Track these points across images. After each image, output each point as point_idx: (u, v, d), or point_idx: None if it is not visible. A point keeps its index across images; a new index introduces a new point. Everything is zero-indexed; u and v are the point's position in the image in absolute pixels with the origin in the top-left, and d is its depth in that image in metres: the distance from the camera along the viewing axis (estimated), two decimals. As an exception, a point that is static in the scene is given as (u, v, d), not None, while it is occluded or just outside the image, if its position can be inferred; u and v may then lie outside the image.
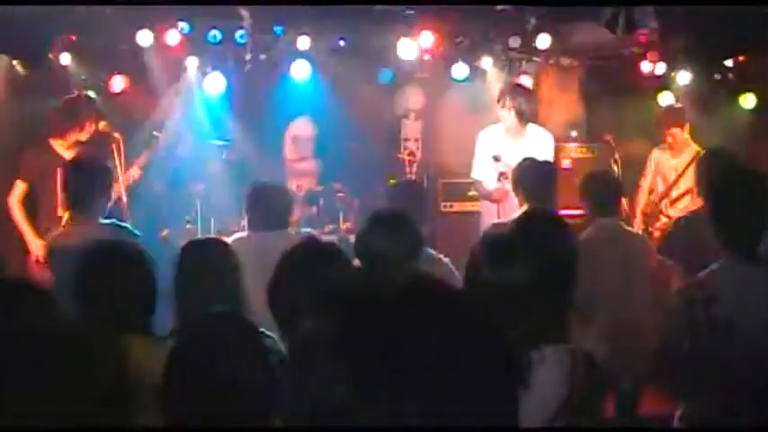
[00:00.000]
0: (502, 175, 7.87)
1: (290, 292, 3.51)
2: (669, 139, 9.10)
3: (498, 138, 8.43)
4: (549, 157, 8.18)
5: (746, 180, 4.27)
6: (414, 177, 9.77)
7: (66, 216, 6.53)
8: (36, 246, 7.90)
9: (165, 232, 8.95)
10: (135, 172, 8.52)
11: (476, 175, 8.60)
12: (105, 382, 3.07)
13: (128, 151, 8.36)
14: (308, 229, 7.35)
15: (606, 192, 6.73)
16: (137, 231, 6.37)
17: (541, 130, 8.65)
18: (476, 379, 1.87)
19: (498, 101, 8.39)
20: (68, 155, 8.07)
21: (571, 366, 3.36)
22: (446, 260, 5.82)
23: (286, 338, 3.58)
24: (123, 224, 6.32)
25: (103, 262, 4.17)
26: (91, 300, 4.03)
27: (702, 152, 7.27)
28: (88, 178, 6.28)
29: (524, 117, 8.31)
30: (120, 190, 7.99)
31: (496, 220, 7.33)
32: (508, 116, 8.28)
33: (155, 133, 8.93)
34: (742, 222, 4.06)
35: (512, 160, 7.72)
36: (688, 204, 8.20)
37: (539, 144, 8.36)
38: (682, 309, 3.90)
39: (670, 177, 9.00)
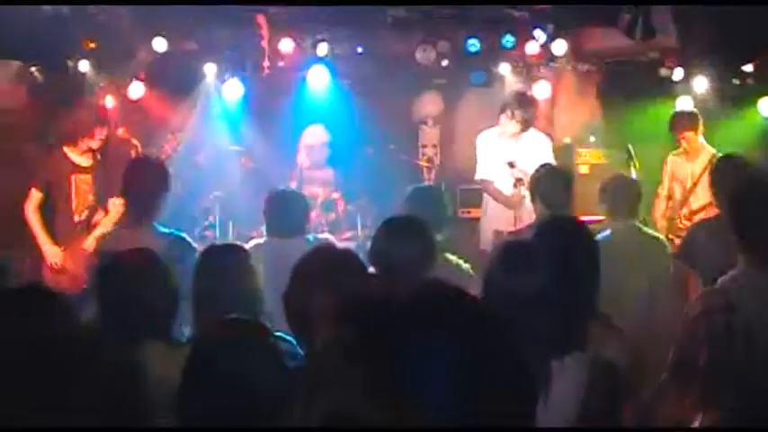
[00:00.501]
0: (519, 181, 7.88)
1: (305, 299, 3.51)
2: (684, 144, 9.06)
3: (496, 140, 8.51)
4: (549, 159, 8.21)
5: (764, 187, 4.26)
6: (432, 183, 9.78)
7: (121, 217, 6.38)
8: (51, 252, 7.94)
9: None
10: None
11: (480, 175, 8.63)
12: (116, 386, 3.09)
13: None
14: (326, 235, 7.35)
15: (625, 195, 6.71)
16: (194, 244, 6.24)
17: (539, 133, 8.71)
18: (492, 386, 1.87)
19: (503, 110, 8.40)
20: (82, 162, 8.10)
21: (591, 375, 3.35)
22: (466, 266, 5.80)
23: (302, 344, 3.59)
24: (183, 235, 6.17)
25: (123, 268, 4.18)
26: (110, 306, 4.05)
27: (717, 159, 7.23)
28: (152, 180, 6.07)
29: (526, 126, 8.38)
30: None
31: (511, 228, 7.30)
32: (509, 124, 8.33)
33: (170, 136, 8.93)
34: (760, 229, 4.05)
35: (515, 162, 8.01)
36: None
37: (538, 145, 8.46)
38: (700, 317, 3.88)
39: (687, 183, 8.97)
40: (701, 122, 9.07)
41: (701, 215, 8.49)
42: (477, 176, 8.66)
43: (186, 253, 5.69)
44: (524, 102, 8.50)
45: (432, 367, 1.82)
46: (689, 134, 9.00)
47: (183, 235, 6.11)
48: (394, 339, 1.84)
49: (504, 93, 9.89)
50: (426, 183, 9.87)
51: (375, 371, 1.84)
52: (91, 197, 8.04)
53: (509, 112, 8.33)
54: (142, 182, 6.05)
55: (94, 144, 8.11)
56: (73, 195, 8.03)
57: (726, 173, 6.37)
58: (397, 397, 1.82)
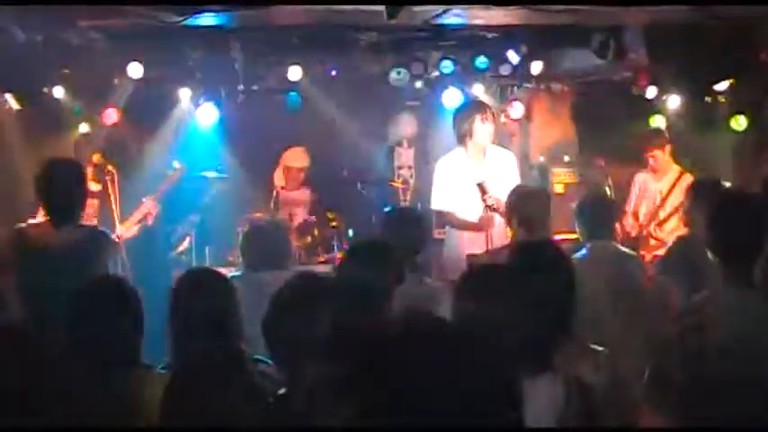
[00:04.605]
0: (489, 206, 7.66)
1: (284, 327, 3.50)
2: (651, 161, 9.16)
3: (460, 164, 8.18)
4: (516, 177, 8.12)
5: (739, 205, 4.29)
6: (407, 205, 9.80)
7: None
8: None
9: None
10: (152, 204, 8.45)
11: (436, 205, 8.29)
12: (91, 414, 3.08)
13: (121, 183, 8.36)
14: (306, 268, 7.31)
15: (600, 214, 6.71)
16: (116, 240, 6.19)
17: (503, 150, 8.49)
18: (476, 411, 1.90)
19: (478, 113, 8.17)
20: (91, 186, 8.05)
21: (565, 396, 3.37)
22: (441, 287, 5.82)
23: (283, 371, 3.58)
24: (104, 230, 6.17)
25: (90, 294, 4.17)
26: (80, 333, 4.02)
27: (692, 182, 7.27)
28: (69, 180, 5.94)
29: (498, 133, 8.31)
30: (116, 223, 8.02)
31: (478, 250, 7.25)
32: (487, 131, 8.11)
33: (175, 164, 8.89)
34: (735, 247, 4.08)
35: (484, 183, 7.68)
36: (675, 227, 8.24)
37: (502, 164, 8.21)
38: (676, 336, 3.91)
39: (655, 201, 9.05)
40: (668, 141, 9.18)
41: (670, 223, 8.58)
42: (433, 207, 8.36)
43: (104, 245, 5.80)
44: (487, 105, 8.45)
45: (423, 400, 1.85)
46: (657, 152, 9.12)
47: (105, 230, 6.14)
48: (385, 375, 1.87)
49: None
50: (402, 204, 9.90)
51: (369, 407, 1.87)
52: (96, 221, 7.98)
53: (486, 114, 8.14)
54: (59, 183, 5.88)
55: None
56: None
57: (702, 195, 6.42)
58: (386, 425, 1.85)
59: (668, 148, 9.16)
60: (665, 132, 9.40)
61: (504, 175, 7.80)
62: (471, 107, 8.46)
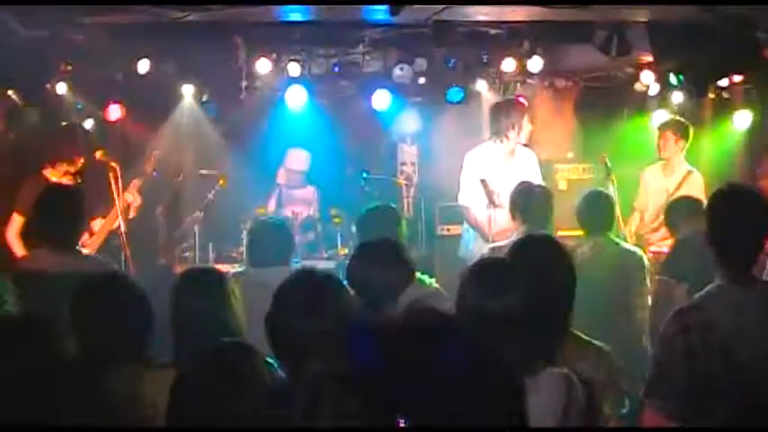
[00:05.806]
0: (491, 203, 7.59)
1: (288, 323, 3.49)
2: (660, 143, 9.04)
3: (488, 159, 8.18)
4: (538, 176, 8.13)
5: (740, 201, 4.28)
6: (411, 201, 9.80)
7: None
8: None
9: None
10: (132, 196, 8.35)
11: (463, 200, 8.26)
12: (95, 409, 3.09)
13: (125, 180, 8.33)
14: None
15: (598, 210, 6.72)
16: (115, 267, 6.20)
17: (529, 151, 8.52)
18: (476, 410, 1.90)
19: (526, 111, 8.29)
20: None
21: (567, 392, 3.36)
22: (430, 280, 5.79)
23: (283, 368, 3.57)
24: (100, 259, 6.19)
25: (98, 292, 4.15)
26: (86, 329, 4.02)
27: (671, 202, 7.32)
28: (70, 205, 5.97)
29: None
30: (118, 219, 7.98)
31: (491, 245, 7.22)
32: (528, 130, 8.22)
33: (155, 152, 8.80)
34: (736, 243, 4.06)
35: (504, 182, 7.60)
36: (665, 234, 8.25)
37: (529, 164, 8.27)
38: (678, 334, 3.90)
39: (661, 198, 8.95)
40: (687, 135, 9.06)
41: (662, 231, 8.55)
42: (461, 201, 8.31)
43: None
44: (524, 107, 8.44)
45: (423, 399, 1.86)
46: (669, 134, 9.00)
47: (104, 260, 6.14)
48: (388, 372, 1.88)
49: (481, 110, 9.95)
50: (405, 201, 9.89)
51: (373, 403, 1.88)
52: None
53: (532, 114, 8.29)
54: (60, 211, 5.91)
55: (73, 168, 8.05)
56: None
57: (678, 219, 6.50)
58: (394, 424, 1.86)
59: (683, 141, 9.05)
60: (688, 126, 9.21)
61: (530, 174, 7.75)
62: (520, 105, 8.50)
